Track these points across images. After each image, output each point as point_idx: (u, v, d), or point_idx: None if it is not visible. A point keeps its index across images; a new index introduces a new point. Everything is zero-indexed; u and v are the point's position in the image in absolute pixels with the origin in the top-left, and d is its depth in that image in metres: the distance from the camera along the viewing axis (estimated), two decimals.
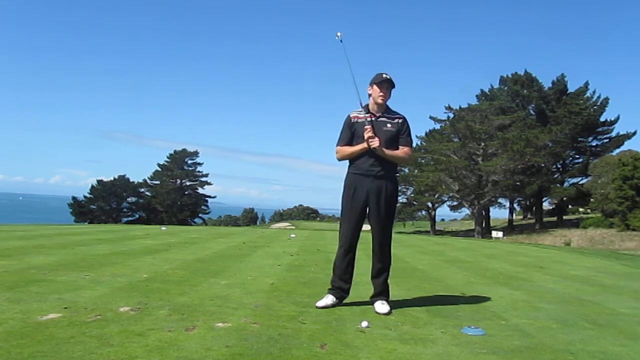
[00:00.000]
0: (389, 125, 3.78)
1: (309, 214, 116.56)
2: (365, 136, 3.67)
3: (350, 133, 3.82)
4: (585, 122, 43.00)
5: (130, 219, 58.11)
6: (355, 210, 3.80)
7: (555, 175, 46.49)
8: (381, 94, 3.76)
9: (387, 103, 3.86)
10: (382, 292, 3.82)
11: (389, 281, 3.90)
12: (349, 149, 3.81)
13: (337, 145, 3.89)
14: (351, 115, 3.85)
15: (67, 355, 2.42)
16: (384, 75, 3.77)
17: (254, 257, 7.25)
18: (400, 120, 3.84)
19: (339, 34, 3.84)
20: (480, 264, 7.80)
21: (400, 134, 3.81)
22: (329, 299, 3.80)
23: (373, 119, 3.77)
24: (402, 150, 3.82)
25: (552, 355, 2.80)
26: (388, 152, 3.73)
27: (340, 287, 3.85)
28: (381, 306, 3.70)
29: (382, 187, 3.75)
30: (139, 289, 4.11)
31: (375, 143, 3.66)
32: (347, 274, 3.86)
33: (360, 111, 3.82)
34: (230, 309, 3.52)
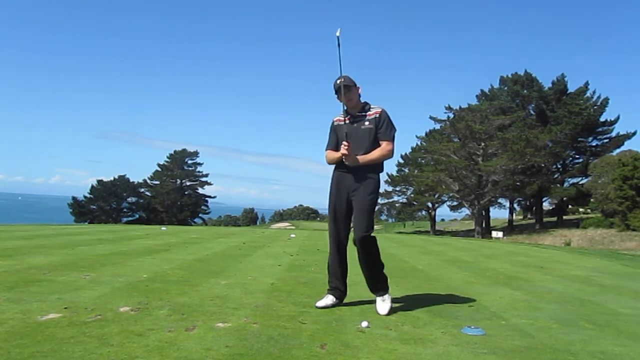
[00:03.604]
0: (366, 122, 3.78)
1: (309, 214, 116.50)
2: (341, 152, 3.71)
3: (336, 136, 3.89)
4: (585, 122, 42.98)
5: (130, 219, 58.13)
6: (340, 207, 3.81)
7: (555, 175, 46.48)
8: (345, 100, 3.79)
9: (367, 100, 3.89)
10: (378, 288, 3.76)
11: (385, 274, 3.83)
12: (332, 155, 3.85)
13: (325, 150, 3.96)
14: (334, 119, 3.93)
15: (67, 355, 2.42)
16: (338, 82, 3.75)
17: (254, 257, 7.25)
18: (377, 115, 3.78)
19: (338, 32, 3.77)
20: (480, 264, 7.80)
21: (377, 128, 3.76)
22: (329, 299, 3.80)
23: (348, 122, 3.81)
24: (379, 150, 3.74)
25: (552, 355, 2.80)
26: (364, 159, 3.71)
27: (337, 286, 3.85)
28: (382, 304, 3.68)
29: (363, 182, 3.74)
30: (139, 289, 4.11)
31: (349, 160, 3.70)
32: (341, 272, 3.85)
33: (342, 114, 3.88)
34: (230, 309, 3.52)
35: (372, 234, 3.72)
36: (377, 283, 3.78)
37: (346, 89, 3.75)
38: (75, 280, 4.40)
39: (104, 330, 2.84)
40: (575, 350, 2.91)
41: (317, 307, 3.71)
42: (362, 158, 3.72)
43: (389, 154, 3.80)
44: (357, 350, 2.72)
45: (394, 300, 3.92)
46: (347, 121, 3.83)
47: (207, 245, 9.04)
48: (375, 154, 3.75)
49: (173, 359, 2.43)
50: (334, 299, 3.81)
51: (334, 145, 3.88)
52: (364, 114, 3.83)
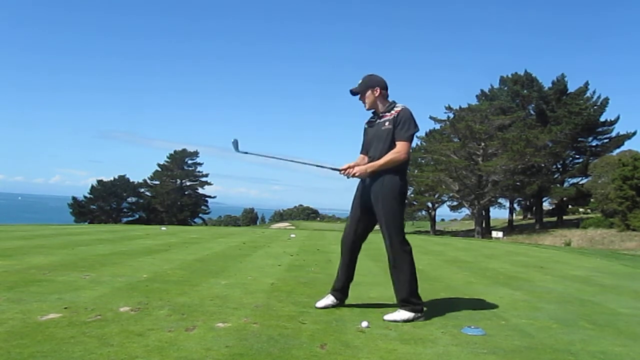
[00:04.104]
0: (386, 123, 3.67)
1: (309, 214, 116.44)
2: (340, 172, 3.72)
3: (365, 139, 3.87)
4: (585, 122, 43.01)
5: (130, 219, 58.15)
6: (356, 211, 3.78)
7: (555, 175, 46.50)
8: (363, 102, 3.79)
9: (393, 98, 3.79)
10: (400, 299, 3.56)
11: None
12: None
13: (360, 153, 3.92)
14: (365, 122, 3.90)
15: (67, 355, 2.42)
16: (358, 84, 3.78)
17: (254, 257, 7.25)
18: (395, 114, 3.64)
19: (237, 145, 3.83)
20: (480, 264, 7.80)
21: (395, 127, 3.62)
22: (329, 299, 3.79)
23: (370, 124, 3.82)
24: (391, 152, 3.59)
25: (552, 355, 2.80)
26: (373, 167, 3.61)
27: (339, 288, 3.82)
28: (392, 312, 3.52)
29: (381, 185, 3.63)
30: (139, 289, 4.11)
31: (358, 175, 3.67)
32: (346, 276, 3.81)
33: (372, 116, 3.85)
34: (230, 309, 3.52)
35: (401, 245, 3.56)
36: (397, 294, 3.57)
37: (361, 93, 3.74)
38: (75, 280, 4.40)
39: (104, 330, 2.84)
40: (575, 350, 2.91)
41: (316, 308, 3.71)
42: (371, 166, 3.62)
43: (400, 156, 3.58)
44: (357, 350, 2.72)
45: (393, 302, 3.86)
46: (367, 125, 3.84)
47: (207, 245, 9.04)
48: (385, 158, 3.60)
49: (173, 359, 2.43)
50: (335, 300, 3.79)
51: (364, 149, 3.84)
52: (386, 113, 3.71)
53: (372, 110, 3.82)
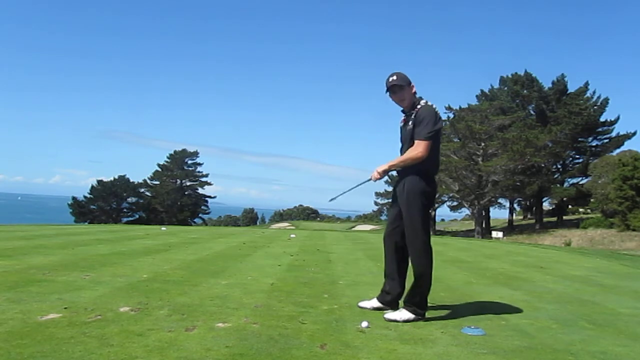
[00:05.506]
0: (410, 123, 3.55)
1: (309, 214, 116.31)
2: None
3: (400, 140, 3.79)
4: (585, 122, 43.01)
5: (130, 219, 58.09)
6: (391, 211, 3.81)
7: (555, 176, 46.49)
8: (397, 100, 3.64)
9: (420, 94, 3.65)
10: (406, 299, 3.57)
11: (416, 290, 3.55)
12: None
13: None
14: (400, 121, 3.78)
15: (67, 355, 2.42)
16: (390, 80, 3.58)
17: (254, 257, 7.25)
18: (416, 112, 3.50)
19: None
20: (480, 264, 7.79)
21: (415, 127, 3.48)
22: (373, 302, 3.77)
23: (403, 123, 3.68)
24: (409, 150, 3.50)
25: (552, 355, 2.80)
26: (391, 163, 3.57)
27: (386, 289, 3.79)
28: (393, 312, 3.54)
29: (402, 187, 3.60)
30: (139, 289, 4.11)
31: (374, 177, 3.65)
32: (390, 271, 3.77)
33: (404, 116, 3.72)
34: (230, 309, 3.52)
35: (421, 250, 3.56)
36: (406, 295, 3.60)
37: (398, 88, 3.57)
38: (75, 280, 4.41)
39: (104, 330, 2.84)
40: (575, 350, 2.91)
41: (359, 307, 3.74)
42: (389, 163, 3.58)
43: (417, 154, 3.44)
44: (357, 350, 2.72)
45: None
46: (402, 123, 3.70)
47: (207, 245, 9.04)
48: (402, 156, 3.55)
49: (173, 359, 2.43)
50: (377, 302, 3.74)
51: (400, 148, 3.74)
52: (412, 111, 3.56)
53: (402, 109, 3.69)
